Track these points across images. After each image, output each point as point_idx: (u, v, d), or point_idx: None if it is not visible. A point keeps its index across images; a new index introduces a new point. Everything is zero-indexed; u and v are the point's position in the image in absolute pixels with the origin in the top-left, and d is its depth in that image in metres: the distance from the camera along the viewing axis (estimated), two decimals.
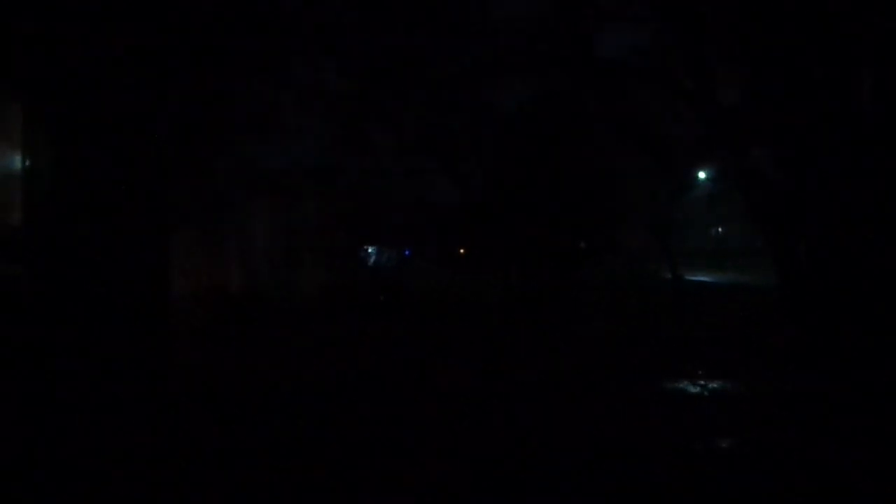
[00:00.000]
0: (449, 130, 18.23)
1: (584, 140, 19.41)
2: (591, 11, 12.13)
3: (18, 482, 5.46)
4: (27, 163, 8.51)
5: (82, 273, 9.52)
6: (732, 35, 10.89)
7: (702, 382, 8.79)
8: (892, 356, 9.42)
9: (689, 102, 12.86)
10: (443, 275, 25.16)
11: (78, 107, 9.42)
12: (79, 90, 9.31)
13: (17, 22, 8.17)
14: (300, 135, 16.56)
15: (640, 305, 18.35)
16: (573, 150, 19.84)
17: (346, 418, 7.23)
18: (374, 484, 5.36)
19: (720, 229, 37.44)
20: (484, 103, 16.68)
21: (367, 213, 22.37)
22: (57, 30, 8.69)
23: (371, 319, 16.10)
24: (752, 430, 6.74)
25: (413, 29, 12.75)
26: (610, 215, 24.81)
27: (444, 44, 13.41)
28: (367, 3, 12.19)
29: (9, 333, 7.87)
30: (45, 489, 5.34)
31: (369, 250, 24.36)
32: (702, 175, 26.15)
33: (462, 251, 28.64)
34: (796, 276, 11.24)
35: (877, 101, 9.83)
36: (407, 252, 25.46)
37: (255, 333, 13.55)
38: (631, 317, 16.04)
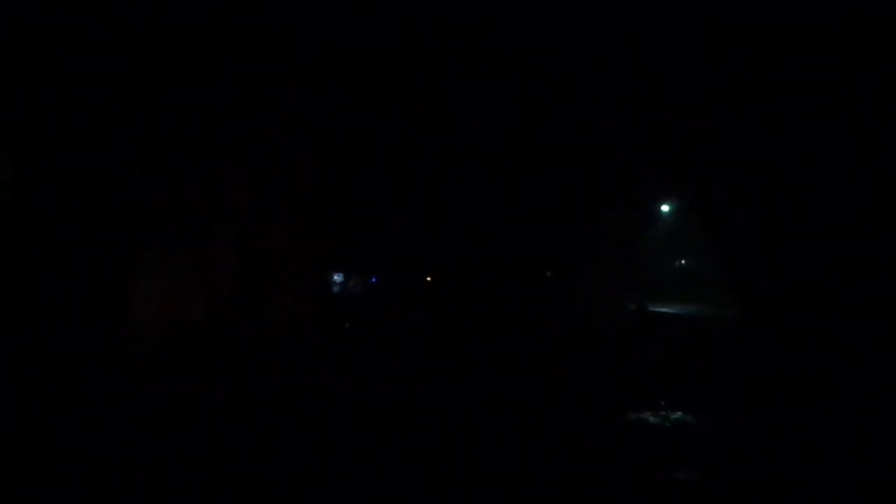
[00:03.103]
0: (420, 160, 18.35)
1: (552, 173, 19.68)
2: (561, 45, 12.39)
3: None
4: None
5: (39, 299, 9.33)
6: (694, 77, 11.24)
7: (664, 413, 8.89)
8: (849, 387, 9.66)
9: (653, 138, 13.18)
10: (410, 302, 25.08)
11: (41, 129, 9.32)
12: (42, 113, 9.23)
13: None
14: (268, 160, 16.51)
15: (604, 336, 18.49)
16: (541, 183, 20.09)
17: (299, 450, 7.16)
18: None
19: (683, 262, 38.06)
20: (455, 134, 16.85)
21: (334, 240, 22.26)
22: (23, 53, 8.62)
23: (336, 347, 15.96)
24: (712, 462, 6.84)
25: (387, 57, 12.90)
26: (576, 247, 25.12)
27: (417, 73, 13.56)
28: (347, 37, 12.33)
29: None
30: None
31: (335, 277, 24.20)
32: (665, 209, 26.64)
33: (429, 279, 28.63)
34: (754, 306, 11.51)
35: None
36: (373, 279, 25.34)
37: (216, 361, 13.34)
38: (595, 347, 16.15)
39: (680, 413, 8.87)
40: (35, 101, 9.15)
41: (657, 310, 26.28)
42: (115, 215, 11.01)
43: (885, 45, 9.55)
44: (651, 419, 8.61)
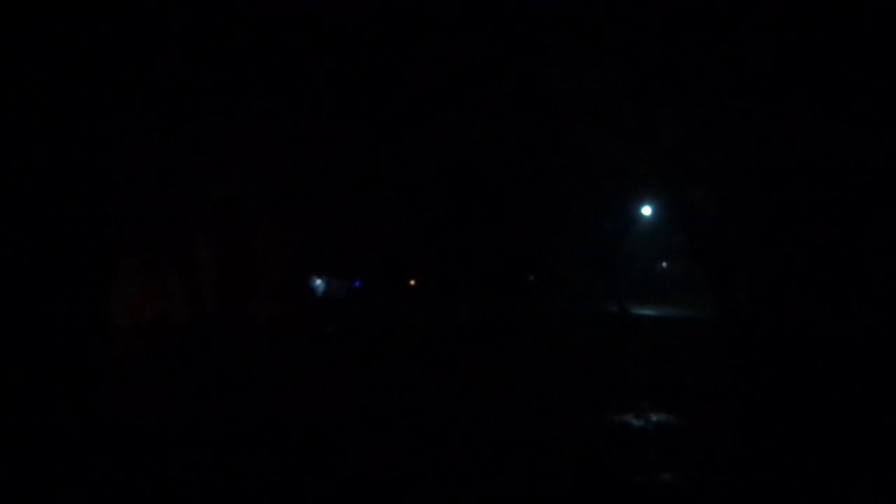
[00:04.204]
0: (401, 164, 18.35)
1: (533, 177, 19.76)
2: (539, 52, 12.44)
3: None
4: None
5: (19, 302, 9.21)
6: (673, 81, 11.32)
7: (646, 415, 8.94)
8: (827, 390, 9.75)
9: (633, 142, 13.26)
10: (393, 306, 25.07)
11: (18, 131, 9.21)
12: (23, 114, 9.12)
13: None
14: (249, 163, 16.43)
15: (586, 338, 18.58)
16: (523, 187, 20.16)
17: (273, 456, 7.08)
18: None
19: (664, 264, 38.29)
20: (436, 138, 16.86)
21: (316, 244, 22.18)
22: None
23: (317, 352, 15.89)
24: (693, 465, 6.89)
25: (365, 64, 12.88)
26: (558, 250, 25.21)
27: (393, 77, 13.55)
28: (320, 42, 12.29)
29: None
30: None
31: (318, 281, 24.10)
32: (646, 211, 26.80)
33: (412, 283, 28.62)
34: (735, 311, 11.58)
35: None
36: (357, 283, 25.27)
37: (195, 365, 13.22)
38: (578, 349, 16.22)
39: (662, 415, 8.92)
40: (14, 98, 9.03)
41: (639, 312, 26.45)
42: (97, 218, 10.86)
43: (871, 43, 9.64)
44: (633, 421, 8.66)
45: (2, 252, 8.98)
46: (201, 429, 8.18)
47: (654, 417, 8.84)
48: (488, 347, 16.63)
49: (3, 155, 9.07)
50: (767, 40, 10.41)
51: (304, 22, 11.71)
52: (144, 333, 15.20)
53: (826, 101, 10.23)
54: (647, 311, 27.42)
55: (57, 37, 8.82)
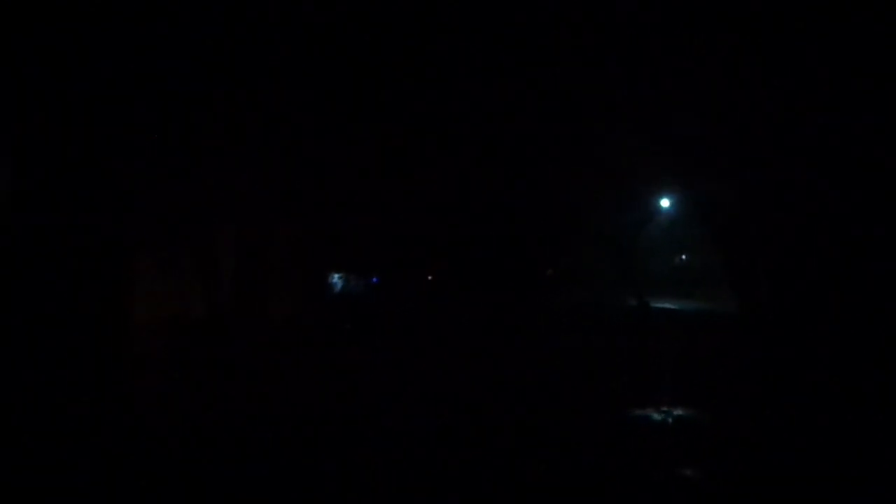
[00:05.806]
0: (419, 159, 18.34)
1: (551, 170, 19.67)
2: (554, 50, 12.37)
3: None
4: None
5: (40, 301, 9.32)
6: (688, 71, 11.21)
7: (666, 410, 8.87)
8: (852, 384, 9.63)
9: (652, 135, 13.15)
10: (411, 302, 25.05)
11: (38, 128, 9.30)
12: (40, 112, 9.21)
13: None
14: (267, 159, 16.47)
15: (605, 331, 18.46)
16: (541, 181, 20.08)
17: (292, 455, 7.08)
18: None
19: (684, 256, 37.98)
20: (453, 133, 16.82)
21: (334, 240, 22.22)
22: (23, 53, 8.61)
23: (336, 348, 15.91)
24: (716, 459, 6.83)
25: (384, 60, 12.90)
26: (577, 243, 25.09)
27: (412, 72, 13.54)
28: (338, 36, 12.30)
29: None
30: None
31: (335, 277, 24.15)
32: (665, 203, 26.57)
33: (430, 278, 28.59)
34: (755, 303, 11.48)
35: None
36: (375, 279, 25.30)
37: (214, 362, 13.28)
38: (597, 343, 16.12)
39: (682, 410, 8.85)
40: (32, 100, 9.13)
41: (659, 305, 26.24)
42: (115, 215, 10.97)
43: (887, 42, 9.50)
44: (654, 416, 8.60)
45: (22, 251, 9.09)
46: (219, 427, 8.22)
47: (673, 412, 8.76)
48: (508, 341, 16.57)
49: (22, 156, 9.17)
50: (787, 30, 10.27)
51: (320, 18, 11.73)
52: (163, 330, 15.32)
53: (846, 95, 10.09)
54: (666, 305, 27.21)
55: (70, 37, 8.90)
